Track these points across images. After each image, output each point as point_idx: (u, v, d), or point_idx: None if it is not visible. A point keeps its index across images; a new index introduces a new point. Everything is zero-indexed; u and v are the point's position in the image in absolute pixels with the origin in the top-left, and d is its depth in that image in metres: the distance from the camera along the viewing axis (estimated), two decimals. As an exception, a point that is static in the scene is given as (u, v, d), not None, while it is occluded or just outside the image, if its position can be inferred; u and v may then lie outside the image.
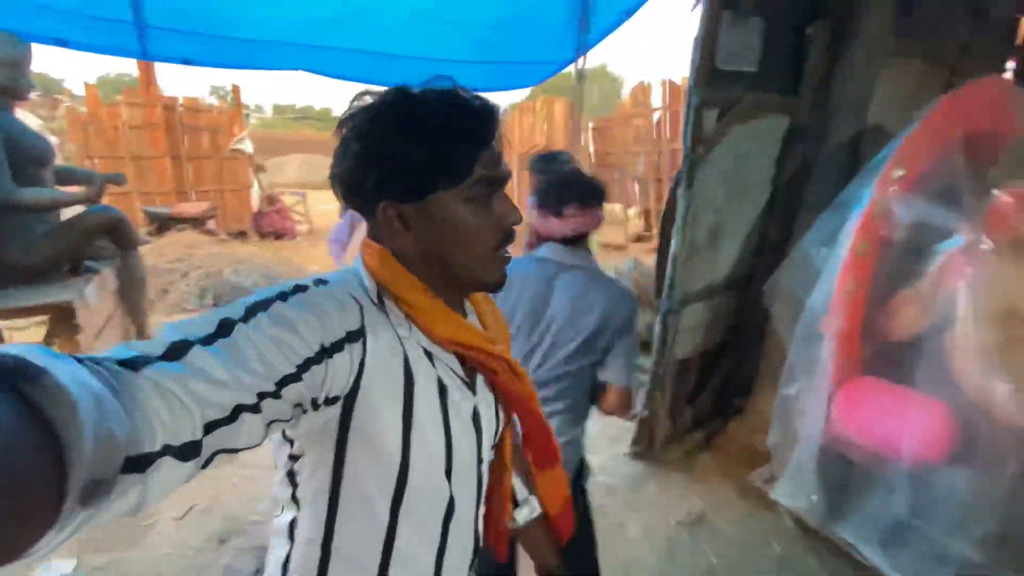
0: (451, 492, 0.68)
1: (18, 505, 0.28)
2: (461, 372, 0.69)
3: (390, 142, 0.60)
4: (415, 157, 0.59)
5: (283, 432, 0.62)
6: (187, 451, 0.41)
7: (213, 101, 9.68)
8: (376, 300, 0.63)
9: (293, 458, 0.64)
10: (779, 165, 2.33)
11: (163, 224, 6.79)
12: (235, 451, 0.48)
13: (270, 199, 8.87)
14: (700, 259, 2.28)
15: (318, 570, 0.65)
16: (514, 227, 0.67)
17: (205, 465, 0.45)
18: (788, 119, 2.25)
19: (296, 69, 2.99)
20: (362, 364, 0.58)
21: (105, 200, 2.70)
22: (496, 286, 0.68)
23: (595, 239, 2.77)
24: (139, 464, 0.36)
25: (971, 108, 1.80)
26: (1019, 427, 1.60)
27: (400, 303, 0.64)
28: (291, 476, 0.65)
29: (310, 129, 22.57)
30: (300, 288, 0.56)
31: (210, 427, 0.43)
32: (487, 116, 0.62)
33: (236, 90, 9.46)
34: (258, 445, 0.50)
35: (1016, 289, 1.68)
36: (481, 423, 0.72)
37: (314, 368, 0.52)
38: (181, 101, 7.87)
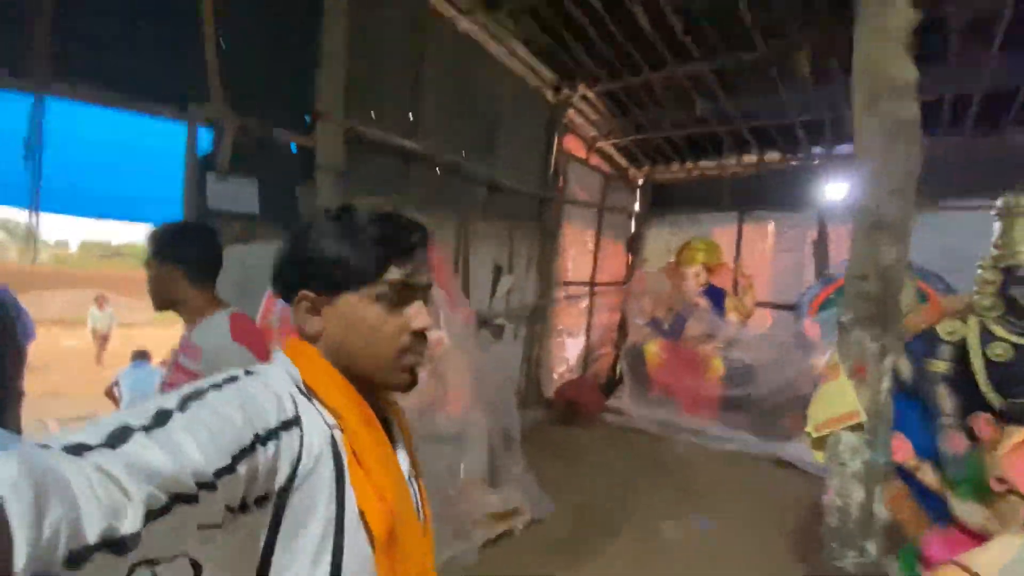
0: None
1: None
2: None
3: (311, 244, 0.68)
4: (328, 257, 0.67)
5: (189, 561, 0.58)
6: (126, 543, 0.39)
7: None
8: (304, 390, 0.66)
9: None
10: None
11: None
12: (156, 563, 0.44)
13: None
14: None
15: None
16: (424, 332, 0.71)
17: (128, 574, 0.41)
18: (295, 243, 3.26)
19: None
20: (300, 452, 0.59)
21: None
22: (402, 388, 0.73)
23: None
24: (79, 556, 0.35)
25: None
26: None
27: (326, 407, 0.66)
28: None
29: (124, 267, 21.30)
30: (231, 379, 0.58)
31: (148, 517, 0.41)
32: (406, 230, 0.71)
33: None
34: (175, 559, 0.47)
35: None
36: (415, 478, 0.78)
37: (247, 459, 0.52)
38: None
